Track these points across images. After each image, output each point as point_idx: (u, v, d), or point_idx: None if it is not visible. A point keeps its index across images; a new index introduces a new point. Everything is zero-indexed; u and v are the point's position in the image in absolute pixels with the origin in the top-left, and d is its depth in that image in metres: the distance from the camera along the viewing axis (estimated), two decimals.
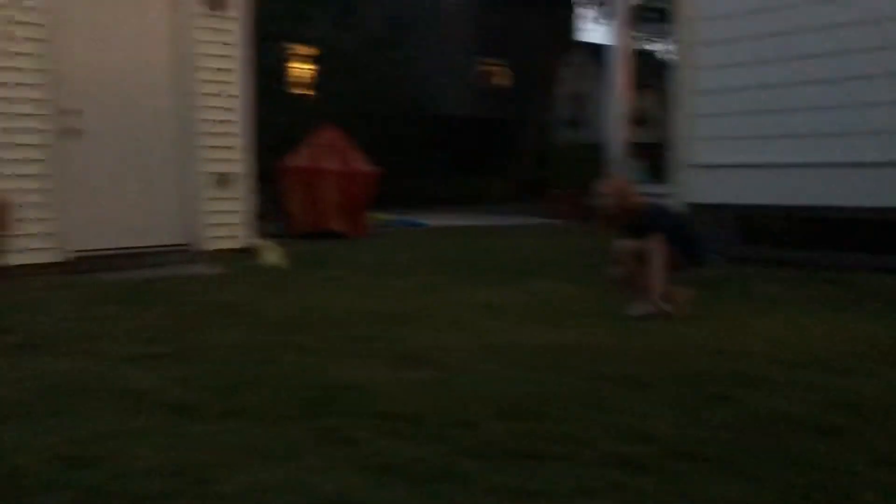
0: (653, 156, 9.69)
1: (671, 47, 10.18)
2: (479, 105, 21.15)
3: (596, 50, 23.44)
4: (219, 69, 7.63)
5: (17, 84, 6.45)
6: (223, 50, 7.66)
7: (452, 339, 4.24)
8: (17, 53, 6.44)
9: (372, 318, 4.88)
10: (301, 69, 17.85)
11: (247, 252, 7.79)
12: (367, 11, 16.88)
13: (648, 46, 22.53)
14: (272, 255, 7.64)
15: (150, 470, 2.40)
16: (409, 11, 18.92)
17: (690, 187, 7.81)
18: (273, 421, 2.89)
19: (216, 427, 2.83)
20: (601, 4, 22.47)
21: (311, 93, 17.37)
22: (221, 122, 7.70)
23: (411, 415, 2.93)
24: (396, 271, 7.08)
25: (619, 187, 5.26)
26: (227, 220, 7.80)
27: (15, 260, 6.34)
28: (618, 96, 9.15)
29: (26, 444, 2.59)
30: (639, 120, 11.53)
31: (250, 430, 2.79)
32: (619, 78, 9.12)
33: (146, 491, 2.26)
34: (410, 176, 16.35)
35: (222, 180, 7.71)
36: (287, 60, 17.15)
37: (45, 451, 2.52)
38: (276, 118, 12.73)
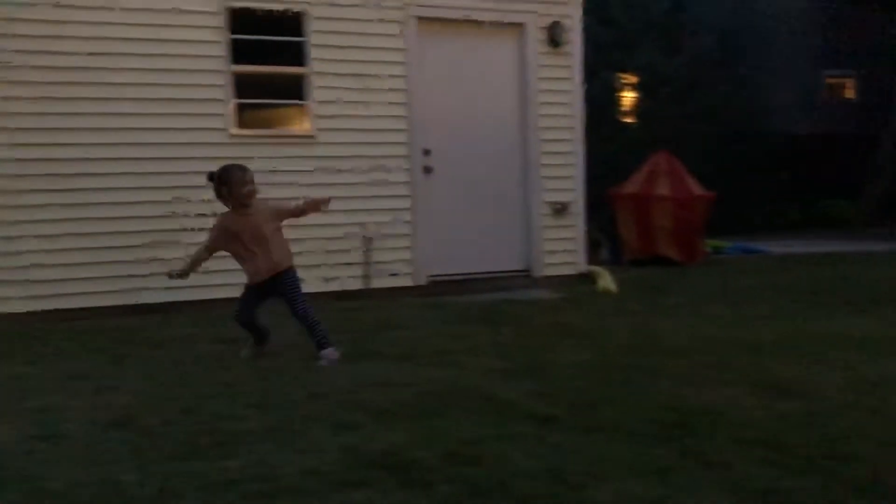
0: None
1: None
2: (825, 121, 19.43)
3: None
4: (557, 103, 7.96)
5: (388, 130, 7.33)
6: (561, 84, 7.99)
7: (816, 370, 3.93)
8: (388, 103, 7.31)
9: (720, 345, 4.71)
10: (628, 97, 17.90)
11: (581, 278, 7.97)
12: (699, 31, 16.38)
13: None
14: (606, 280, 7.72)
15: (526, 473, 2.56)
16: (746, 27, 18.02)
17: None
18: (633, 438, 2.92)
19: (579, 439, 2.93)
20: None
21: (638, 120, 17.30)
22: (559, 153, 8.01)
23: (782, 444, 2.78)
24: (739, 299, 6.74)
25: None
26: (564, 247, 8.06)
27: (378, 284, 7.19)
28: None
29: (419, 441, 2.91)
30: None
31: (612, 445, 2.85)
32: None
33: (526, 491, 2.41)
34: (748, 199, 15.49)
35: (559, 209, 8.00)
36: (614, 89, 17.30)
37: (436, 448, 2.81)
38: (605, 146, 12.88)
